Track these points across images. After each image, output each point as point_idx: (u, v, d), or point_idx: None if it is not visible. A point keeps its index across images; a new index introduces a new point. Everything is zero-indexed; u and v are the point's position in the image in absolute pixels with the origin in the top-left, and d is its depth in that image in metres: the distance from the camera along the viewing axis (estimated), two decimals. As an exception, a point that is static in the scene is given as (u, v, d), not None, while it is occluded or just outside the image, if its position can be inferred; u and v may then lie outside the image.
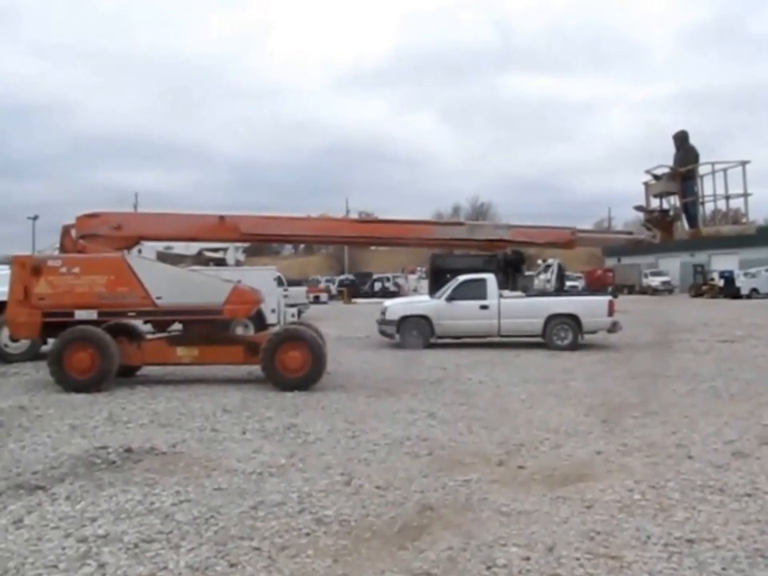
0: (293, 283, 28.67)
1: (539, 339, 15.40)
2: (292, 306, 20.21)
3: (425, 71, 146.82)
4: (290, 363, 9.52)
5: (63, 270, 9.63)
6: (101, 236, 10.08)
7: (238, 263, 19.66)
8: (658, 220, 10.60)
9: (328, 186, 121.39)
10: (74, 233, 10.23)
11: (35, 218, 58.45)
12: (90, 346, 9.43)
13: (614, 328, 15.49)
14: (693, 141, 10.50)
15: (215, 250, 18.78)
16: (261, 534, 4.18)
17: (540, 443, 6.43)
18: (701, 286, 46.44)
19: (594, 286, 45.03)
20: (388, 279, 54.68)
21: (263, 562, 3.79)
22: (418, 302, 17.15)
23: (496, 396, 9.13)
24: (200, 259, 17.91)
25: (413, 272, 54.75)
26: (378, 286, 53.91)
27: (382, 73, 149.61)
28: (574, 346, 14.99)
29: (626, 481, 5.20)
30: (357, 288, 52.28)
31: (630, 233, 14.77)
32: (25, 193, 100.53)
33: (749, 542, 4.00)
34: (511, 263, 26.51)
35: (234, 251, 19.33)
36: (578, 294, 25.44)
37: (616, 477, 5.33)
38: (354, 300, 44.84)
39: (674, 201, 10.55)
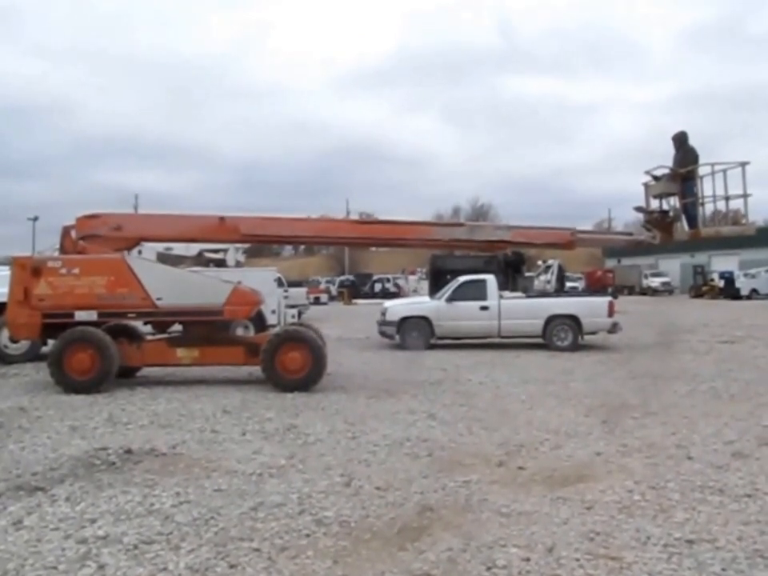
0: (293, 284, 28.68)
1: (539, 340, 15.41)
2: (292, 306, 20.19)
3: (425, 72, 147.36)
4: (291, 364, 9.52)
5: (63, 270, 9.63)
6: (101, 237, 10.07)
7: (238, 264, 19.65)
8: (658, 221, 10.61)
9: (328, 186, 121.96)
10: (73, 234, 10.21)
11: (35, 218, 58.64)
12: (90, 347, 9.43)
13: (614, 329, 15.49)
14: (693, 142, 10.53)
15: (215, 251, 18.80)
16: (261, 535, 4.18)
17: (540, 444, 6.43)
18: (701, 286, 46.42)
19: (594, 287, 45.11)
20: (388, 280, 54.60)
21: (263, 563, 3.79)
22: (419, 302, 17.13)
23: (496, 397, 9.13)
24: (200, 260, 17.94)
25: (413, 273, 54.81)
26: (378, 286, 53.80)
27: (383, 73, 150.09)
28: (574, 347, 15.00)
29: (625, 481, 5.20)
30: (357, 289, 52.18)
31: (630, 234, 14.75)
32: (25, 193, 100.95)
33: (748, 542, 4.01)
34: (511, 264, 26.51)
35: (234, 252, 19.33)
36: (578, 294, 25.47)
37: (616, 477, 5.33)
38: (354, 301, 44.78)
39: (674, 202, 10.56)
